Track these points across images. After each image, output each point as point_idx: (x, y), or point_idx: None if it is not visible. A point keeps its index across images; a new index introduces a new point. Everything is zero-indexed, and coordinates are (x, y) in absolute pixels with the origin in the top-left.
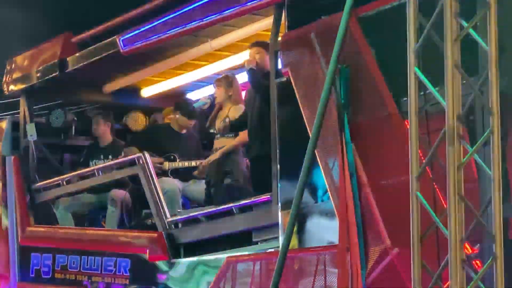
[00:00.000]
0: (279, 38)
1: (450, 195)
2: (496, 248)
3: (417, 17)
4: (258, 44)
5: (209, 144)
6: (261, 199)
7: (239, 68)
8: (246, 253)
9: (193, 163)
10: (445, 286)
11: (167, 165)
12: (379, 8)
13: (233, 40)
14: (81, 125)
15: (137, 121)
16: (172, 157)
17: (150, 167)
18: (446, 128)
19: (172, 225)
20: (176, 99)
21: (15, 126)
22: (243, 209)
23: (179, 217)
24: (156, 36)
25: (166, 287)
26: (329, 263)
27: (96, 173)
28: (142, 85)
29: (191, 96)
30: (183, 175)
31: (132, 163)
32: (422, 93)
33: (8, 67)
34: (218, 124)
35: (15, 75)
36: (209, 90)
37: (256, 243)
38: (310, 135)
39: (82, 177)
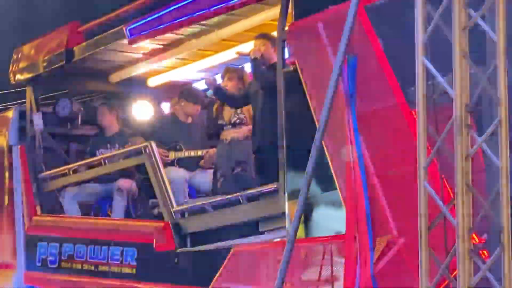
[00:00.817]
0: (286, 28)
1: (458, 185)
2: (503, 238)
3: (426, 6)
4: (264, 36)
5: (216, 135)
6: (268, 189)
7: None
8: (253, 243)
9: (199, 153)
10: (452, 276)
11: (173, 154)
12: None
13: (240, 30)
14: (88, 114)
15: (143, 110)
16: (178, 146)
17: (157, 156)
18: (454, 118)
19: (179, 215)
20: (180, 88)
21: (21, 115)
22: (250, 199)
23: (185, 206)
24: (162, 26)
25: (173, 275)
26: (336, 253)
27: (103, 163)
28: (148, 75)
29: (198, 85)
30: (189, 164)
31: (138, 152)
32: (430, 82)
33: (14, 56)
34: (227, 115)
35: (21, 65)
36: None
37: (263, 232)
38: (318, 125)
39: (89, 167)
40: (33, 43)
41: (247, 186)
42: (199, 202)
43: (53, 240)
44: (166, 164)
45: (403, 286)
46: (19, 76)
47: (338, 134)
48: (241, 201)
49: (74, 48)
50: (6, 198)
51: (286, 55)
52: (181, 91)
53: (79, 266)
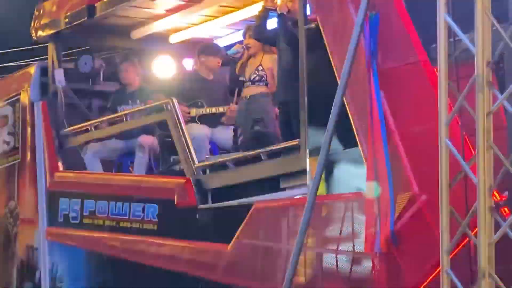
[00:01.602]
0: None
1: (479, 142)
2: None
3: None
4: None
5: (238, 92)
6: (289, 146)
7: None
8: (274, 199)
9: (221, 109)
10: (473, 233)
11: (194, 111)
12: None
13: None
14: (109, 71)
15: (165, 67)
16: (199, 103)
17: (178, 113)
18: (476, 75)
19: (200, 171)
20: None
21: (43, 71)
22: (271, 155)
23: (207, 163)
24: None
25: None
26: (356, 210)
27: (124, 119)
28: (170, 32)
29: (219, 42)
30: (211, 121)
31: (160, 109)
32: (451, 39)
33: (36, 13)
34: (248, 71)
35: (43, 21)
36: (238, 36)
37: (284, 189)
38: (339, 82)
39: (110, 123)
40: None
41: (265, 143)
42: (220, 158)
43: (74, 196)
44: (187, 121)
45: (423, 243)
46: (40, 33)
47: (359, 91)
48: (262, 158)
49: (96, 4)
50: (29, 154)
51: (308, 12)
52: (200, 47)
53: (100, 222)
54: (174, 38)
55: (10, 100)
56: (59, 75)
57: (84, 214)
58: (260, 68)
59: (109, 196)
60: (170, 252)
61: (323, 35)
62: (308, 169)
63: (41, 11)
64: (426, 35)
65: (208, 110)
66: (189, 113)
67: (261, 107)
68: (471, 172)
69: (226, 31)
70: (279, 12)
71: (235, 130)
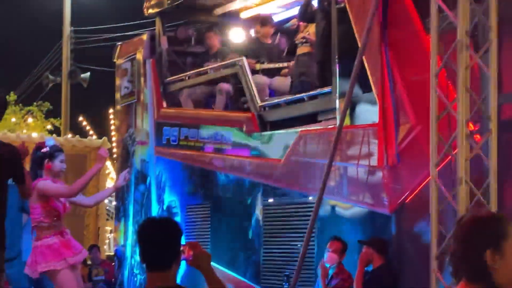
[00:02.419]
0: None
1: (460, 87)
2: (491, 125)
3: None
4: None
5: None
6: (324, 91)
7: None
8: (314, 128)
9: (277, 65)
10: (454, 152)
11: (258, 66)
12: None
13: None
14: (198, 37)
15: (237, 35)
16: (262, 60)
17: (247, 67)
18: (457, 40)
19: (262, 108)
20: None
21: (152, 38)
22: (312, 98)
23: (266, 102)
24: None
25: (257, 150)
26: (371, 136)
27: (209, 72)
28: (242, 9)
29: (276, 17)
30: (270, 73)
31: (233, 64)
32: (441, 15)
33: None
34: (300, 35)
35: (152, 1)
36: (290, 13)
37: (321, 121)
38: (359, 45)
39: (199, 74)
40: None
41: (308, 89)
42: (275, 99)
43: (174, 125)
44: (253, 73)
45: (418, 160)
46: (150, 10)
47: (374, 52)
48: (305, 99)
49: None
50: (142, 96)
51: None
52: (257, 21)
53: (192, 144)
54: (244, 15)
55: (129, 58)
56: (163, 40)
57: (181, 138)
58: (307, 33)
59: (198, 125)
60: (239, 164)
61: (349, 12)
62: (337, 107)
63: None
64: (422, 10)
65: (267, 66)
66: (254, 67)
67: (306, 63)
68: (452, 110)
69: (281, 10)
70: None
71: (291, 79)
